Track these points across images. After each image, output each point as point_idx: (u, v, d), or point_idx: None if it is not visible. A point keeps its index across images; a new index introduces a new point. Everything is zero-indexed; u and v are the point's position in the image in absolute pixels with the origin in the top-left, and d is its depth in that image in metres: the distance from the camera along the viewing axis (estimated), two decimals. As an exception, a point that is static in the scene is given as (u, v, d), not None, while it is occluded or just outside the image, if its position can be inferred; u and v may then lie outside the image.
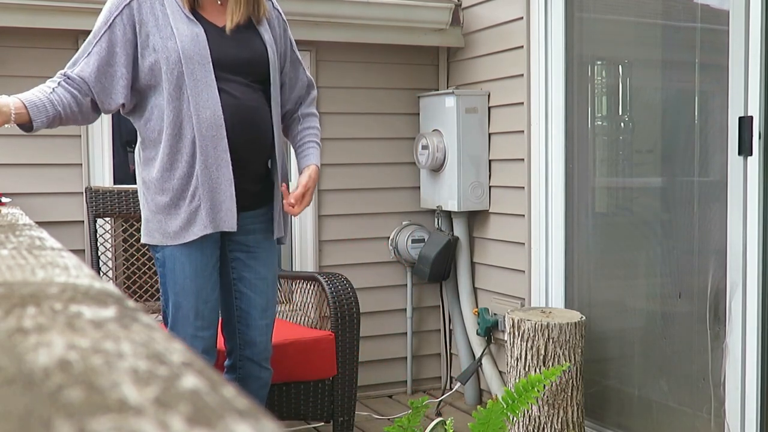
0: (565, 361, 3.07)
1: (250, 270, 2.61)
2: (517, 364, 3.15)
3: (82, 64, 2.43)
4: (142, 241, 2.55)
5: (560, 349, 3.07)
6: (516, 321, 3.15)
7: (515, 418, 3.01)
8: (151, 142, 2.46)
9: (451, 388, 4.18)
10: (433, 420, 2.72)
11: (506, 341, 3.25)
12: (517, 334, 3.15)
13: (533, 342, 3.11)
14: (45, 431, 0.35)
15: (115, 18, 2.42)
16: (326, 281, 3.17)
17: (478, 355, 3.96)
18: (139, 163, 2.53)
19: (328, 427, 3.34)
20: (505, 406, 2.23)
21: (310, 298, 3.35)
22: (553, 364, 3.07)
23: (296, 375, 3.02)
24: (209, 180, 2.41)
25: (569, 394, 3.10)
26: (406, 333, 4.23)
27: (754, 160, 2.71)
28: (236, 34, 2.51)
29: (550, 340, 3.09)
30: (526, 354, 3.13)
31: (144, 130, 2.47)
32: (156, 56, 2.39)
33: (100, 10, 3.38)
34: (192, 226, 2.44)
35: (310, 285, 3.34)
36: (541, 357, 3.09)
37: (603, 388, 3.48)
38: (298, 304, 3.44)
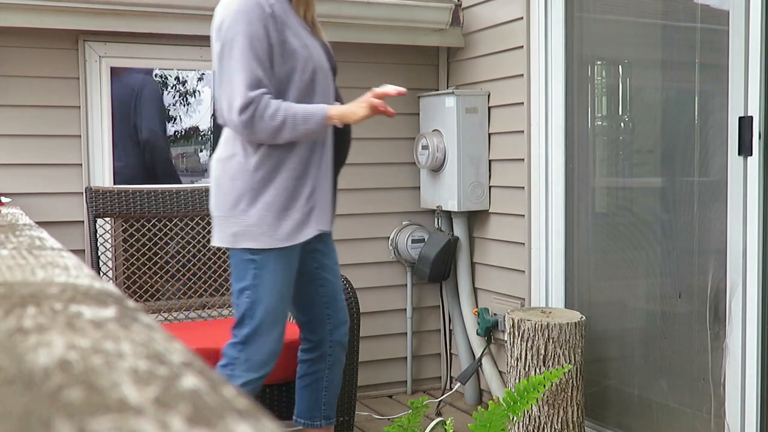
0: (566, 361, 3.07)
1: (328, 257, 2.73)
2: (517, 364, 3.15)
3: (268, 81, 2.44)
4: (243, 246, 2.48)
5: (560, 349, 3.07)
6: (516, 321, 3.15)
7: (515, 419, 3.01)
8: (264, 144, 2.46)
9: (451, 388, 4.17)
10: (433, 420, 2.72)
11: (506, 341, 3.25)
12: (517, 334, 3.15)
13: (533, 342, 3.10)
14: (45, 431, 0.35)
15: (267, 27, 2.42)
16: (326, 281, 3.17)
17: (478, 355, 3.96)
18: (243, 167, 2.48)
19: (328, 427, 3.34)
20: (506, 407, 2.23)
21: (310, 298, 3.35)
22: (553, 364, 3.07)
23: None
24: (322, 182, 2.52)
25: (569, 394, 3.10)
26: (406, 333, 4.23)
27: (754, 160, 2.70)
28: (320, 40, 2.64)
29: (550, 340, 3.08)
30: (526, 354, 3.13)
31: None
32: (294, 63, 2.45)
33: (100, 10, 3.38)
34: (305, 228, 2.48)
35: (310, 285, 3.34)
36: (541, 357, 3.09)
37: (603, 388, 3.48)
38: (298, 304, 3.44)
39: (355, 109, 2.49)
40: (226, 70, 2.43)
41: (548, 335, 3.08)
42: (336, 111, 2.46)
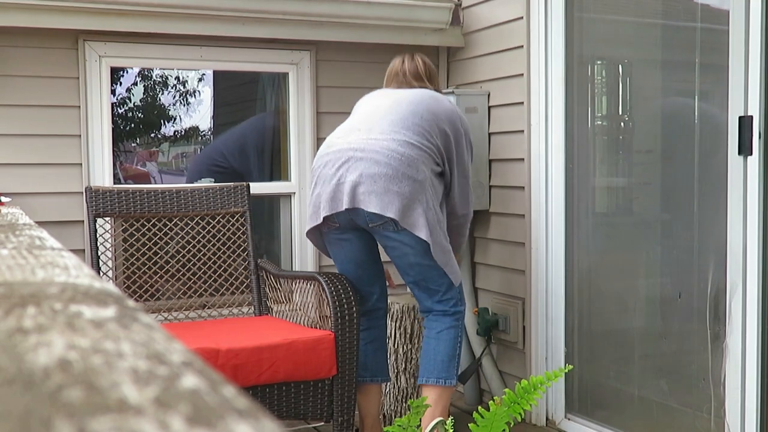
0: None
1: None
2: (388, 342, 3.50)
3: None
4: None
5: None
6: (389, 304, 3.46)
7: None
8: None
9: (451, 388, 4.17)
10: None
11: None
12: (389, 315, 3.52)
13: (401, 322, 3.57)
14: (45, 431, 0.35)
15: None
16: (326, 281, 3.16)
17: (478, 355, 3.96)
18: (439, 208, 3.10)
19: (328, 427, 3.34)
20: (506, 407, 2.23)
21: (310, 298, 3.35)
22: (419, 341, 3.50)
23: (296, 375, 3.02)
24: None
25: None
26: (406, 333, 4.22)
27: (754, 160, 2.70)
28: None
29: (416, 321, 3.56)
30: (395, 333, 3.54)
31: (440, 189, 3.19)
32: None
33: (100, 10, 3.40)
34: None
35: (310, 285, 3.33)
36: (408, 335, 3.56)
37: (603, 387, 3.48)
38: (298, 304, 3.44)
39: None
40: (464, 165, 3.22)
41: (414, 316, 3.57)
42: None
